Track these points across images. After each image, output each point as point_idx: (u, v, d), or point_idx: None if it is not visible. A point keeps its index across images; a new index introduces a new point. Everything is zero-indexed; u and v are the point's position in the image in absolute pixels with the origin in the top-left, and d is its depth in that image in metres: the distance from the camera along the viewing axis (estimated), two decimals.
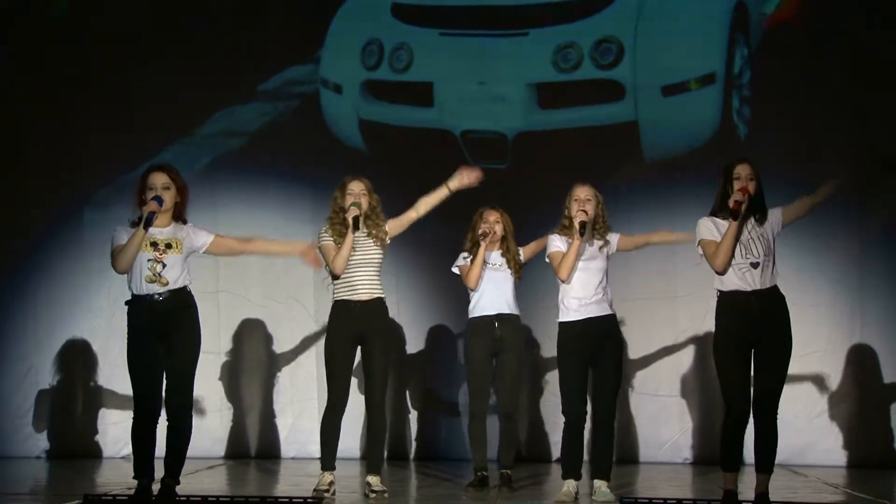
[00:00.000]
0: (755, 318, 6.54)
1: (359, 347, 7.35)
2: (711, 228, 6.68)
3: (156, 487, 6.77)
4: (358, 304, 7.29)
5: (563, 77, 9.86)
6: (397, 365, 9.71)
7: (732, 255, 6.57)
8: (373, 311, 7.31)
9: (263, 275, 9.94)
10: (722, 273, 6.61)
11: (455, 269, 7.84)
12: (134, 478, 6.73)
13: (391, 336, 7.45)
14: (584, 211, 7.12)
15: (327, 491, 7.21)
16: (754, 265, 6.58)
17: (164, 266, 6.70)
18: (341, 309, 7.32)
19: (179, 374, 6.70)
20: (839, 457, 9.56)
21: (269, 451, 9.86)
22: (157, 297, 6.68)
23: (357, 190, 7.37)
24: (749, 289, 6.57)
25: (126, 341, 6.74)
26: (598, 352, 7.11)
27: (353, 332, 7.29)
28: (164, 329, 6.68)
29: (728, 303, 6.63)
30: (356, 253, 7.31)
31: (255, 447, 9.90)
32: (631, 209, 9.18)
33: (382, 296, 7.39)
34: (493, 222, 7.70)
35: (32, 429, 9.86)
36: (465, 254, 7.79)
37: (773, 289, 6.60)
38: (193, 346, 6.77)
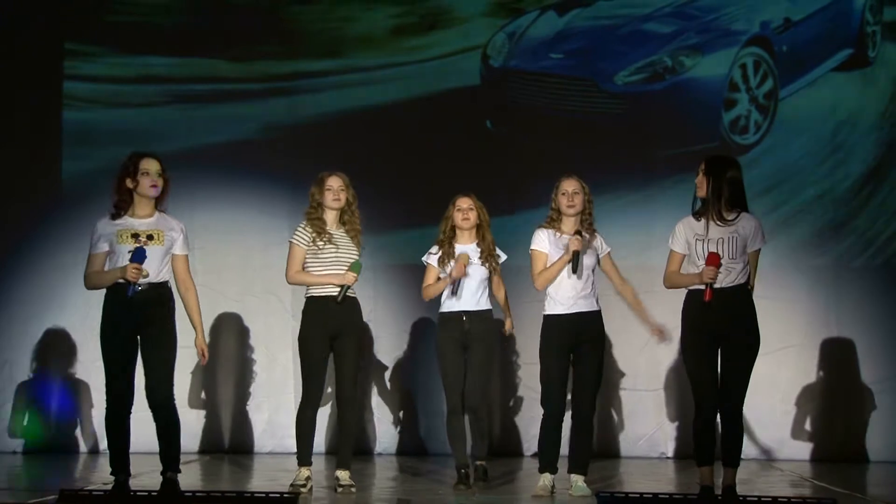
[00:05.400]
0: (717, 316, 6.54)
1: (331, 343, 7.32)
2: (679, 237, 6.73)
3: (148, 482, 6.71)
4: (333, 301, 7.25)
5: None
6: (372, 361, 9.72)
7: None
8: (347, 307, 7.25)
9: (240, 270, 9.93)
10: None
11: (424, 261, 7.65)
12: (111, 474, 6.70)
13: (364, 333, 7.38)
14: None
15: (304, 486, 7.19)
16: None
17: (145, 258, 6.61)
18: (316, 305, 7.25)
19: (160, 370, 6.65)
20: (815, 451, 9.62)
21: (245, 446, 9.85)
22: (136, 287, 6.59)
23: (336, 186, 7.31)
24: (706, 288, 6.56)
25: (100, 327, 6.69)
26: (580, 346, 7.11)
27: (328, 327, 7.24)
28: (139, 321, 6.63)
29: (692, 301, 6.67)
30: (336, 249, 7.27)
31: (230, 442, 9.88)
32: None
33: (355, 295, 7.31)
34: (465, 209, 7.53)
35: (8, 424, 9.82)
36: (435, 248, 7.60)
37: (738, 287, 6.59)
38: (171, 341, 6.70)
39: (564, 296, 7.11)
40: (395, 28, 10.24)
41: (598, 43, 10.19)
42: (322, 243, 7.24)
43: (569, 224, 7.21)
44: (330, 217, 7.33)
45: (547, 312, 7.17)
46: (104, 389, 6.68)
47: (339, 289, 7.16)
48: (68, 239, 9.75)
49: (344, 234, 7.32)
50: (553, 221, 7.23)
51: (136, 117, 10.13)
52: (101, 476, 7.44)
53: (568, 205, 7.15)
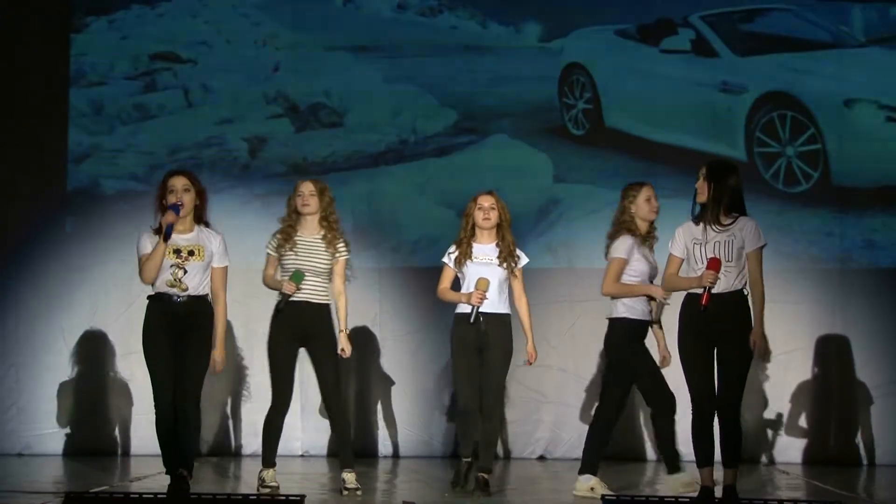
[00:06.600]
0: (713, 321, 6.54)
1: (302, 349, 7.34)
2: (679, 241, 6.74)
3: (153, 485, 6.74)
4: (302, 304, 7.24)
5: None
6: (377, 363, 9.73)
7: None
8: (316, 312, 7.26)
9: (244, 272, 9.89)
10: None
11: (444, 260, 7.45)
12: (167, 472, 6.80)
13: (335, 338, 7.34)
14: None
15: (275, 485, 7.25)
16: None
17: (186, 272, 6.80)
18: (285, 307, 7.25)
19: (192, 373, 6.81)
20: (822, 454, 9.58)
21: (245, 449, 9.80)
22: (176, 298, 6.78)
23: (306, 191, 7.32)
24: (704, 292, 6.57)
25: (142, 339, 6.83)
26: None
27: (296, 330, 7.26)
28: (179, 330, 6.78)
29: (689, 304, 6.67)
30: (295, 257, 7.28)
31: (233, 444, 9.86)
32: None
33: (327, 303, 7.30)
34: (487, 208, 7.33)
35: (13, 426, 9.82)
36: (453, 248, 7.41)
37: (734, 292, 6.58)
38: (206, 349, 6.86)
39: (644, 305, 7.35)
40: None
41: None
42: (284, 250, 7.30)
43: (642, 228, 7.36)
44: (305, 223, 7.33)
45: (628, 316, 7.32)
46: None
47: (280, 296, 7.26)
48: (74, 241, 9.77)
49: (318, 241, 7.30)
50: (635, 228, 7.36)
51: (141, 120, 10.15)
52: (107, 479, 7.46)
53: (651, 210, 7.36)
